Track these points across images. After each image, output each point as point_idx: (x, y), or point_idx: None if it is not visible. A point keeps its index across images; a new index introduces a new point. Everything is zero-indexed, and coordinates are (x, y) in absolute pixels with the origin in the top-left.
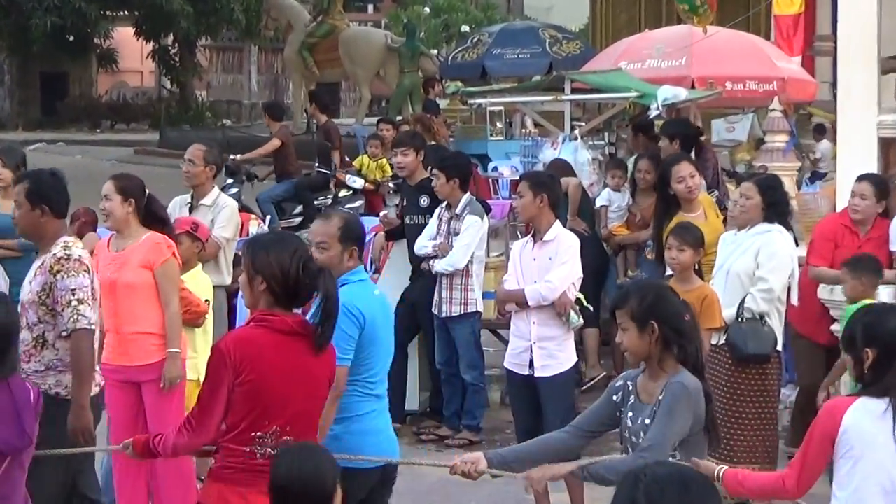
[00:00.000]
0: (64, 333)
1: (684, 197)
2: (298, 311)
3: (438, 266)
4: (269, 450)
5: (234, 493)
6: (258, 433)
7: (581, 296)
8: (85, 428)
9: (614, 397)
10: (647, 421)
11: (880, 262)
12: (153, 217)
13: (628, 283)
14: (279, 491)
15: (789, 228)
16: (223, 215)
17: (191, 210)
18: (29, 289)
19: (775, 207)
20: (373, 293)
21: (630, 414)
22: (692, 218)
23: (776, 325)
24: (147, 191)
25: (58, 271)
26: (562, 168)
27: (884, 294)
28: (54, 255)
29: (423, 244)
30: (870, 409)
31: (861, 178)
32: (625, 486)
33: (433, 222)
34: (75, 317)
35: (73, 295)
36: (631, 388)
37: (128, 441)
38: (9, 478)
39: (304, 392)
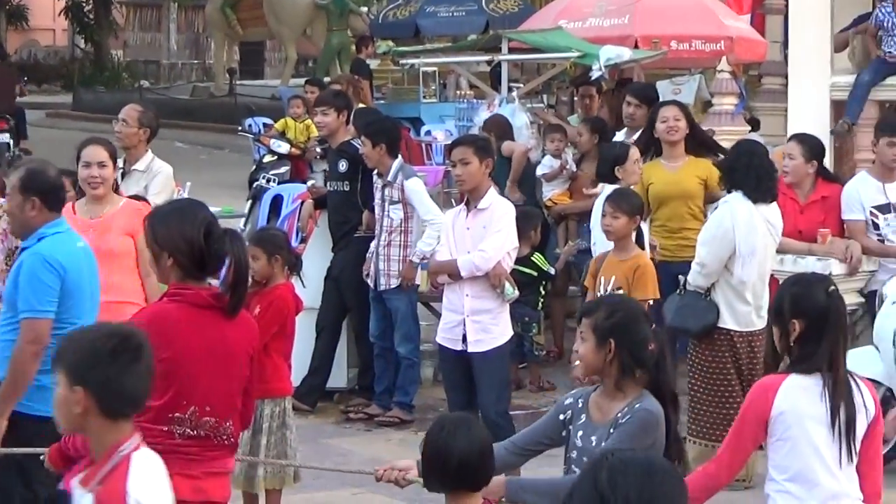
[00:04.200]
0: None
1: (664, 138)
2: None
3: (422, 247)
4: (187, 430)
5: None
6: (176, 414)
7: (540, 259)
8: None
9: (561, 416)
10: (603, 443)
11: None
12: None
13: (605, 295)
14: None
15: (764, 195)
16: (157, 181)
17: (122, 175)
18: None
19: (730, 174)
20: (76, 244)
21: (580, 433)
22: (672, 166)
23: (723, 299)
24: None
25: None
26: (500, 126)
27: (836, 266)
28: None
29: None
30: (803, 387)
31: (790, 138)
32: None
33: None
34: None
35: None
36: (581, 405)
37: (46, 449)
38: None
39: (223, 370)
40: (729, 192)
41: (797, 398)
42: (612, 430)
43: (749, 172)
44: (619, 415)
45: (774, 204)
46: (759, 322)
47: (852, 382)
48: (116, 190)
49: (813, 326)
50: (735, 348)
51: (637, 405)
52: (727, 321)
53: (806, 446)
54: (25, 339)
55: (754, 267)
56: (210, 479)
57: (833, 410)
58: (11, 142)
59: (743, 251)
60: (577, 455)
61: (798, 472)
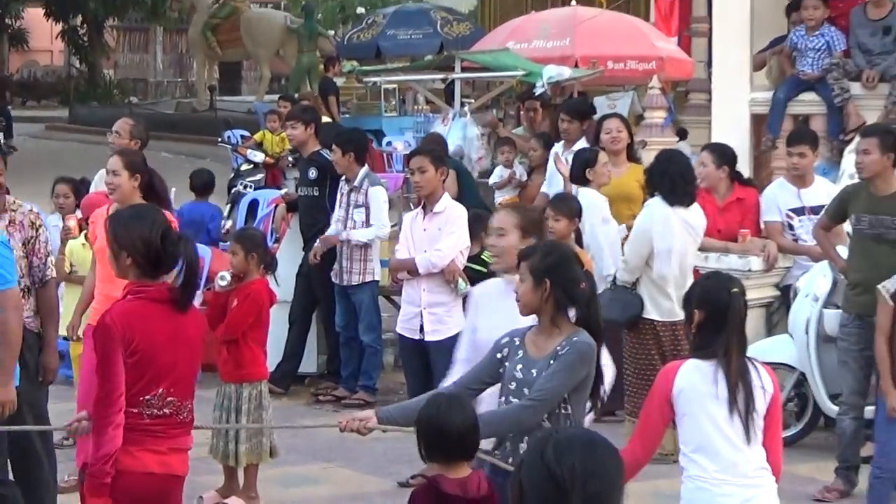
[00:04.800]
0: (44, 281)
1: (608, 147)
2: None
3: (357, 235)
4: (155, 410)
5: (122, 452)
6: (146, 396)
7: (489, 257)
8: (56, 367)
9: (498, 354)
10: (543, 374)
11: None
12: (151, 191)
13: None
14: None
15: (681, 199)
16: None
17: None
18: None
19: (650, 180)
20: None
21: (520, 367)
22: (616, 171)
23: (647, 292)
24: (147, 165)
25: (39, 226)
26: (437, 143)
27: (755, 263)
28: (28, 212)
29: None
30: (700, 369)
31: (702, 148)
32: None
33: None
34: (52, 267)
35: (48, 247)
36: (518, 343)
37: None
38: None
39: (186, 355)
40: (651, 196)
41: (693, 378)
42: (552, 362)
43: (664, 178)
44: (558, 348)
45: (695, 206)
46: (682, 313)
47: (751, 367)
48: (159, 200)
49: (712, 318)
50: (658, 337)
51: (575, 339)
52: (651, 312)
53: (704, 420)
54: (10, 307)
55: (673, 263)
56: (173, 455)
57: (731, 392)
58: (2, 138)
59: (660, 249)
60: (516, 386)
61: (700, 443)
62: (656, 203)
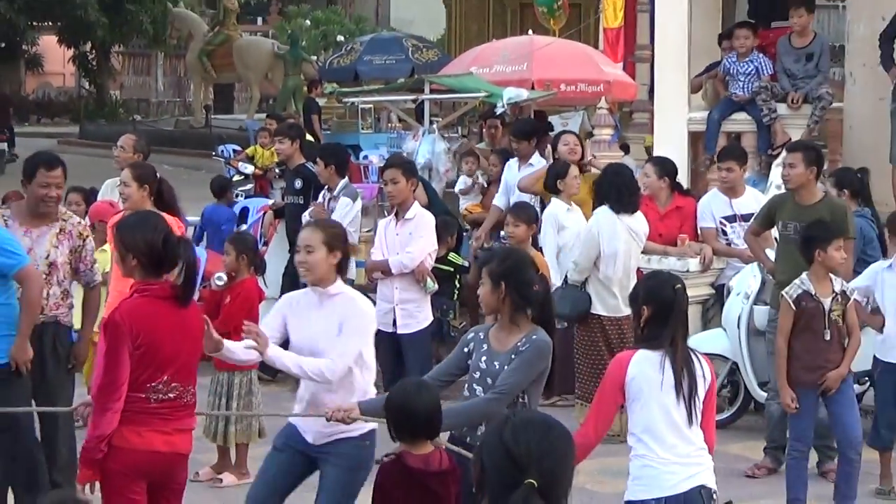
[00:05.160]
0: (91, 285)
1: (567, 158)
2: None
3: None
4: (161, 395)
5: (131, 432)
6: (153, 383)
7: (455, 257)
8: (85, 358)
9: (465, 349)
10: (506, 367)
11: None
12: (160, 198)
13: (498, 247)
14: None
15: (626, 208)
16: None
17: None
18: (55, 253)
19: (598, 191)
20: None
21: (484, 358)
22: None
23: (594, 290)
24: (158, 176)
25: (86, 237)
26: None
27: (693, 264)
28: (76, 223)
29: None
30: (649, 359)
31: (646, 161)
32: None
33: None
34: (98, 273)
35: (93, 255)
36: (483, 337)
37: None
38: None
39: (188, 345)
40: (600, 205)
41: (644, 367)
42: (513, 357)
43: (611, 189)
44: (519, 344)
45: (639, 214)
46: (627, 309)
47: (693, 357)
48: (167, 206)
49: (659, 313)
50: (605, 330)
51: (534, 336)
52: (598, 308)
53: (653, 405)
54: (34, 283)
55: (618, 265)
56: (178, 435)
57: (677, 379)
58: (7, 149)
59: (606, 252)
60: (479, 375)
61: (647, 426)
62: (603, 212)
